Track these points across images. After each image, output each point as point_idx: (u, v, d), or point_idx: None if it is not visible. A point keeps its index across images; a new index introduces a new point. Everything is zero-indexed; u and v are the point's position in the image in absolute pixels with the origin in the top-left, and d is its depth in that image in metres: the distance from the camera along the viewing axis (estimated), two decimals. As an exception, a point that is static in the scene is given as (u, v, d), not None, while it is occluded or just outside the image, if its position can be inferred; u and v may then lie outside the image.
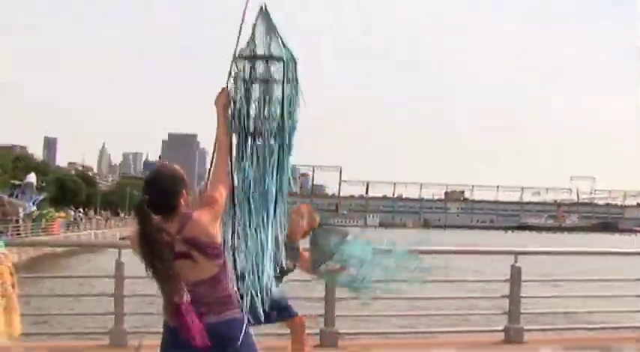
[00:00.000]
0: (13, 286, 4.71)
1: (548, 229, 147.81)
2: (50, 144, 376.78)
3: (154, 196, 3.01)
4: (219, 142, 3.34)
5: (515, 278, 7.92)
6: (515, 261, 7.98)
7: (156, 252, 2.97)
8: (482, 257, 14.38)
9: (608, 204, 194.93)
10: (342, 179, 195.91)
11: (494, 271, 8.66)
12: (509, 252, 8.35)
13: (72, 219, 52.02)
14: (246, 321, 3.14)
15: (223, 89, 3.38)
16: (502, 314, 7.85)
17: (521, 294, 7.99)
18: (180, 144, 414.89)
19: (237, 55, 3.38)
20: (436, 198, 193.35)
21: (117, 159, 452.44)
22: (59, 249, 37.07)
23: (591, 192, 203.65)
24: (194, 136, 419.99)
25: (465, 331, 8.40)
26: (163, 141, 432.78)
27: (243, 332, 3.11)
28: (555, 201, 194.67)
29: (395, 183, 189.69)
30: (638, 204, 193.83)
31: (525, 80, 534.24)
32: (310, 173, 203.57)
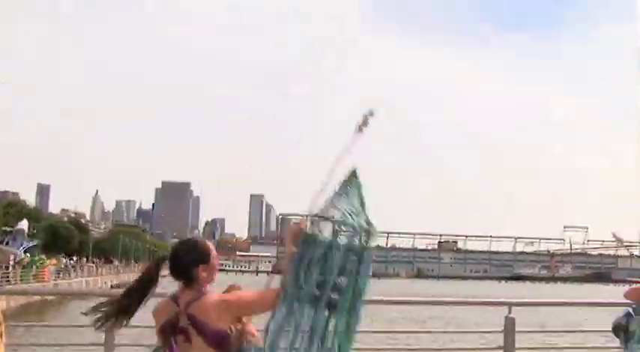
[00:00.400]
0: (0, 335, 4.65)
1: (542, 279, 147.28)
2: (43, 191, 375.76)
3: (172, 260, 3.09)
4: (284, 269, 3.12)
5: (510, 328, 7.89)
6: (509, 312, 7.96)
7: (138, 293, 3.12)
8: (477, 308, 14.31)
9: (601, 254, 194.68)
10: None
11: (488, 322, 8.61)
12: (503, 303, 8.34)
13: (63, 266, 51.71)
14: None
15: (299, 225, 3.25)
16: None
17: (516, 345, 7.96)
18: (173, 192, 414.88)
19: (319, 215, 3.29)
20: (429, 248, 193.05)
21: (110, 206, 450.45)
22: (49, 297, 36.69)
23: (584, 242, 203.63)
24: (187, 184, 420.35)
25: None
26: (157, 189, 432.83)
27: None
28: (548, 251, 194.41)
29: (388, 234, 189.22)
30: (631, 254, 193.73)
31: (522, 129, 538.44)
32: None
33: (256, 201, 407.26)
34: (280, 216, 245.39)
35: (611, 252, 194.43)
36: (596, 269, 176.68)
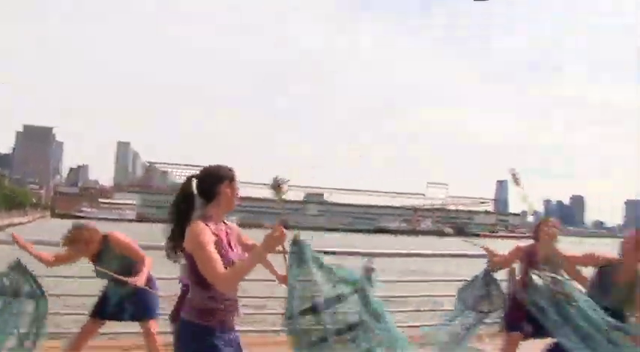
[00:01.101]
0: None
1: (404, 232, 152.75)
2: None
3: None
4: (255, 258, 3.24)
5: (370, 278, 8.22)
6: (370, 263, 8.27)
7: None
8: (341, 258, 14.73)
9: (458, 210, 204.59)
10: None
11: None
12: (362, 253, 8.68)
13: None
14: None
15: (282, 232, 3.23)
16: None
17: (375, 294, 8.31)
18: (36, 136, 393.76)
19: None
20: (295, 199, 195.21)
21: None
22: None
23: (444, 198, 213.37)
24: (50, 129, 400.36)
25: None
26: (18, 133, 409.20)
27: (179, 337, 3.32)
28: (412, 206, 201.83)
29: (257, 184, 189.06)
30: (486, 211, 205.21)
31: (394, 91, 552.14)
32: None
33: (123, 148, 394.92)
34: (148, 164, 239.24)
35: (469, 208, 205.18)
36: (454, 223, 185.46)
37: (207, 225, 3.27)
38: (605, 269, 4.78)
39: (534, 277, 4.57)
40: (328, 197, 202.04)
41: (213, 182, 3.39)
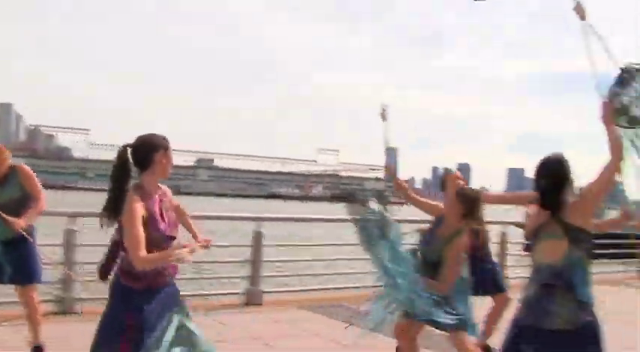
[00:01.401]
0: None
1: (295, 198, 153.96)
2: None
3: None
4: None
5: (258, 242, 8.27)
6: (258, 227, 8.32)
7: None
8: (229, 222, 14.71)
9: (350, 177, 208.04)
10: (91, 142, 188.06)
11: (242, 236, 8.95)
12: (252, 217, 8.69)
13: None
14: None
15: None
16: (245, 278, 8.20)
17: (263, 258, 8.37)
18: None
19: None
20: (186, 164, 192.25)
21: None
22: None
23: (336, 165, 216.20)
24: (9, 105, 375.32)
25: (208, 294, 8.57)
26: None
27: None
28: (303, 172, 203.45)
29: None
30: (376, 177, 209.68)
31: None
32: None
33: (4, 110, 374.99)
34: (32, 127, 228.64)
35: (359, 174, 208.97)
36: (345, 189, 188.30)
37: (140, 196, 3.35)
38: (438, 219, 4.85)
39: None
40: (219, 162, 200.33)
41: (148, 151, 3.45)
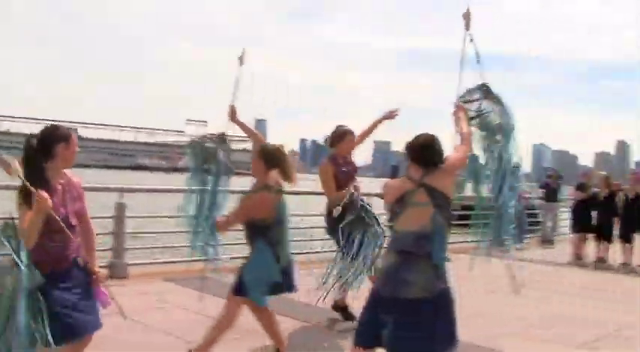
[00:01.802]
0: None
1: (163, 169, 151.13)
2: None
3: None
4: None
5: (121, 214, 8.04)
6: (121, 198, 8.09)
7: None
8: (92, 194, 14.18)
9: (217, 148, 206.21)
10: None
11: (103, 208, 8.64)
12: (114, 189, 8.41)
13: None
14: None
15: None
16: (107, 250, 7.96)
17: (127, 230, 8.16)
18: None
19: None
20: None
21: None
22: None
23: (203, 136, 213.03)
24: None
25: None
26: None
27: None
28: (170, 143, 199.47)
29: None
30: (244, 149, 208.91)
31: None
32: None
33: None
34: None
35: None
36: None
37: (40, 186, 3.42)
38: None
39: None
40: (82, 132, 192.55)
41: (50, 143, 3.59)
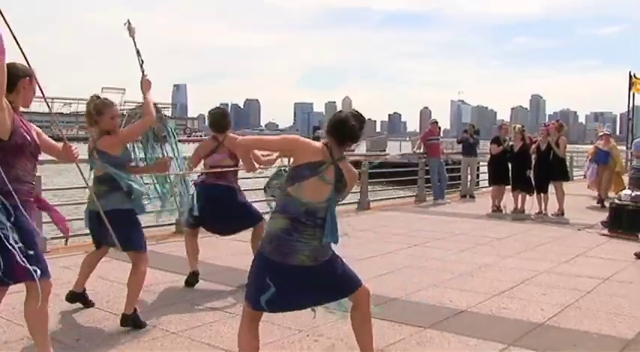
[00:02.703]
0: None
1: (81, 140, 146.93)
2: None
3: None
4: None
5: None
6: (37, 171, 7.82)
7: None
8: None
9: (137, 115, 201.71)
10: None
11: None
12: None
13: None
14: None
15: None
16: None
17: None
18: None
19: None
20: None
21: None
22: None
23: (121, 104, 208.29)
24: None
25: None
26: None
27: None
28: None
29: None
30: (165, 115, 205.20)
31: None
32: None
33: None
34: None
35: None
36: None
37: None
38: None
39: None
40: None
41: (13, 77, 3.63)
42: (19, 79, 3.74)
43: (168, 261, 7.39)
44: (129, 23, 5.07)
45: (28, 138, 3.72)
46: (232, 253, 7.83)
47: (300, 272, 3.54)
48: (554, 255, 8.32)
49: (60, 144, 4.25)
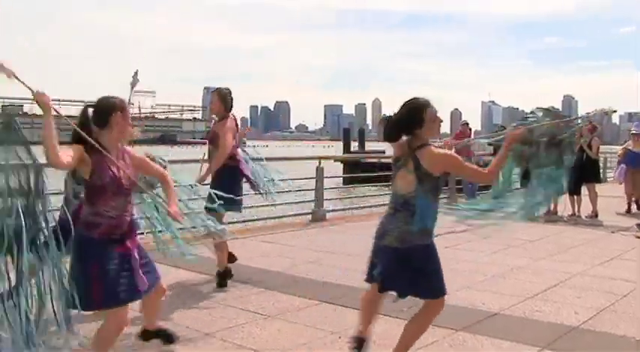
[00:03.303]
0: None
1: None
2: None
3: None
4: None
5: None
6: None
7: None
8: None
9: (167, 118, 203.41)
10: None
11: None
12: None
13: None
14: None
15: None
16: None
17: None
18: None
19: None
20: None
21: None
22: None
23: (152, 107, 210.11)
24: None
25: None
26: None
27: None
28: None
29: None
30: (194, 118, 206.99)
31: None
32: None
33: None
34: None
35: (177, 115, 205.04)
36: (163, 132, 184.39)
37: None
38: None
39: None
40: (29, 109, 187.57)
41: (106, 112, 3.79)
42: (112, 113, 3.80)
43: (199, 262, 7.42)
44: (136, 75, 5.22)
45: (109, 178, 3.73)
46: (263, 254, 7.86)
47: (389, 251, 3.87)
48: (587, 257, 8.21)
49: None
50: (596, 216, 12.00)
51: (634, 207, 13.42)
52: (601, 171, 15.35)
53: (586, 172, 12.05)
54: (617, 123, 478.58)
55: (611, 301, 6.02)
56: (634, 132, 13.66)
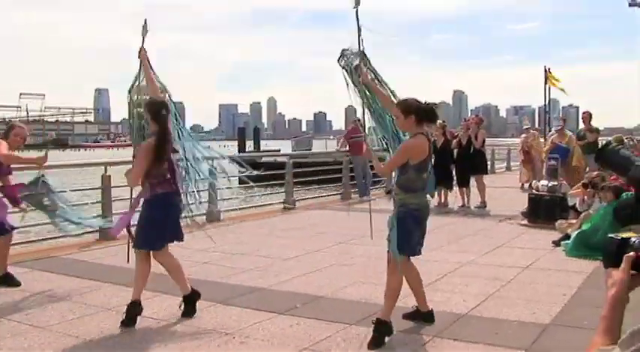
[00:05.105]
0: None
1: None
2: None
3: None
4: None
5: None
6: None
7: None
8: None
9: (57, 121, 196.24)
10: None
11: None
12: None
13: None
14: None
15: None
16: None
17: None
18: None
19: None
20: None
21: None
22: None
23: (41, 110, 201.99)
24: None
25: None
26: None
27: None
28: (4, 119, 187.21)
29: None
30: (86, 120, 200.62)
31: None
32: None
33: None
34: None
35: (68, 118, 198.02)
36: (54, 135, 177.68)
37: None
38: None
39: None
40: None
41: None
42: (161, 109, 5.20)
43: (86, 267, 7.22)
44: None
45: None
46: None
47: None
48: (477, 246, 8.52)
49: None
50: (485, 205, 12.48)
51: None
52: (488, 162, 15.94)
53: (473, 164, 12.51)
54: (505, 116, 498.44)
55: (497, 287, 6.27)
56: (528, 125, 15.92)
